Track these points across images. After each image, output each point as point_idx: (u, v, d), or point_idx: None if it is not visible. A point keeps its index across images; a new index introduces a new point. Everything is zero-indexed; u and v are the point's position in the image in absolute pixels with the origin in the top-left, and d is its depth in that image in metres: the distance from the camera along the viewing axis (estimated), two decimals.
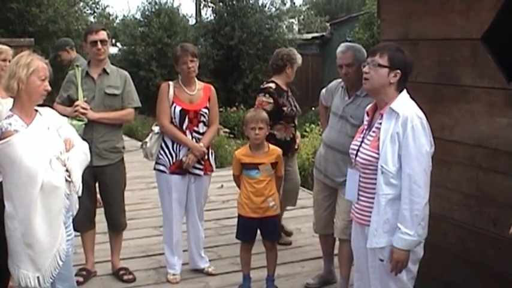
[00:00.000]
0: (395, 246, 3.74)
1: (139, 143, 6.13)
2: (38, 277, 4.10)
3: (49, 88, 4.22)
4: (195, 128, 5.80)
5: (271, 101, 6.37)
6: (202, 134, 5.85)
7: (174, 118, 5.77)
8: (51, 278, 4.16)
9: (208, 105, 5.87)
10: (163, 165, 5.84)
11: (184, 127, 5.78)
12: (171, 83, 5.90)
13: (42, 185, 3.97)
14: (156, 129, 5.90)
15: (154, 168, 5.94)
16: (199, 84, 5.97)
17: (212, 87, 6.02)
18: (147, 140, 5.89)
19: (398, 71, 3.85)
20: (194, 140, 5.79)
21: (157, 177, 5.95)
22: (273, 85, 6.50)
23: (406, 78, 3.90)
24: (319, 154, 5.58)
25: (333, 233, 5.53)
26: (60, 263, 4.18)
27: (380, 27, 5.64)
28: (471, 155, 4.51)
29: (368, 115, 4.07)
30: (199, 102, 5.84)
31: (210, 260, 6.34)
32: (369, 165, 3.88)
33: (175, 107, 5.76)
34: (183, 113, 5.75)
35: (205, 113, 5.84)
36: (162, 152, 5.84)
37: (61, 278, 4.34)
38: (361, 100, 5.12)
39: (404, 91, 3.91)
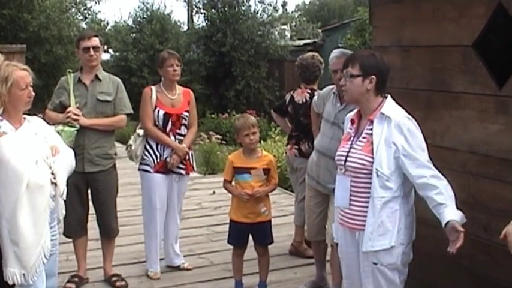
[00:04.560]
0: (459, 221, 3.70)
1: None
2: (23, 274, 4.21)
3: (32, 94, 4.39)
4: (178, 131, 6.10)
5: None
6: (184, 135, 6.14)
7: (158, 121, 6.02)
8: (35, 275, 4.26)
9: (188, 108, 6.15)
10: (148, 165, 6.07)
11: (167, 130, 6.06)
12: (153, 87, 6.16)
13: (28, 183, 4.12)
14: (140, 132, 6.09)
15: (139, 169, 6.16)
16: (179, 89, 6.22)
17: (191, 92, 6.34)
18: (131, 142, 6.07)
19: (373, 76, 3.90)
20: (177, 141, 6.07)
21: (142, 177, 6.18)
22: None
23: (383, 82, 3.95)
24: (311, 161, 5.58)
25: (325, 239, 5.53)
26: (45, 260, 4.31)
27: (372, 34, 5.65)
28: (463, 162, 4.52)
29: (353, 122, 4.11)
30: (181, 106, 6.13)
31: (202, 267, 6.42)
32: (362, 170, 3.90)
33: (158, 111, 6.01)
34: (167, 116, 6.02)
35: (187, 116, 6.13)
36: (146, 153, 6.07)
37: (45, 275, 4.42)
38: (353, 107, 5.13)
39: (389, 97, 3.99)
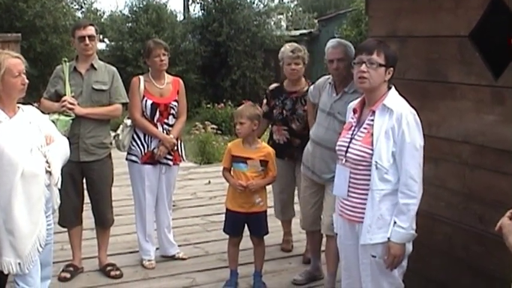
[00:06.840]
0: (392, 240, 3.77)
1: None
2: (19, 263, 4.23)
3: (26, 81, 4.38)
4: (165, 121, 6.07)
5: (265, 102, 6.54)
6: (172, 125, 6.11)
7: (145, 111, 6.01)
8: (31, 264, 4.28)
9: (177, 97, 6.12)
10: (136, 155, 6.07)
11: (155, 120, 6.03)
12: (141, 77, 6.15)
13: (22, 172, 4.12)
14: (128, 122, 6.10)
15: (126, 159, 6.17)
16: (168, 78, 6.19)
17: (180, 80, 6.29)
18: (118, 132, 6.07)
19: (392, 68, 3.92)
20: (165, 131, 6.06)
21: (130, 167, 6.18)
22: (273, 86, 6.63)
23: (394, 74, 3.97)
24: (306, 151, 5.58)
25: (320, 229, 5.54)
26: (40, 249, 4.32)
27: (368, 24, 5.65)
28: (458, 152, 4.52)
29: (355, 112, 4.08)
30: (169, 96, 6.10)
31: (197, 256, 6.43)
32: (362, 161, 3.89)
33: (146, 101, 6.00)
34: (154, 106, 6.00)
35: (175, 105, 6.09)
36: (134, 143, 6.07)
37: (40, 265, 4.44)
38: (349, 97, 5.12)
39: (393, 88, 3.98)
